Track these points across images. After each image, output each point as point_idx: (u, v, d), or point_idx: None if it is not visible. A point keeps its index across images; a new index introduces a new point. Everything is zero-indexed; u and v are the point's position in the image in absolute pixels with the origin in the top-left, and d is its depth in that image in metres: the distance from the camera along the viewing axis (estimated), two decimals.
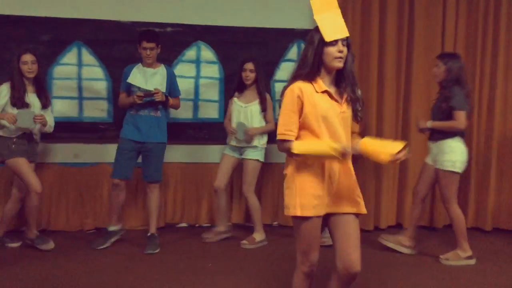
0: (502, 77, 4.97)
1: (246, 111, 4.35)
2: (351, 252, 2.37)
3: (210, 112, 4.85)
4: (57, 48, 4.55)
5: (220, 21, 4.78)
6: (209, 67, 4.81)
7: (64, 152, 4.66)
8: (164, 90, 4.17)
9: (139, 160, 4.27)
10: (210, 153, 4.87)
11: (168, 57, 4.66)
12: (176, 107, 4.40)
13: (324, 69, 2.37)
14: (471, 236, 4.18)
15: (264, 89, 4.38)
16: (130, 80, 4.17)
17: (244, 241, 4.35)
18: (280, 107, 2.44)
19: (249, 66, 4.33)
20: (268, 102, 4.40)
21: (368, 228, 4.84)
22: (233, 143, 4.39)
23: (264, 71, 4.48)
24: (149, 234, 4.25)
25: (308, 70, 2.35)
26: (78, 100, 4.63)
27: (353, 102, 2.43)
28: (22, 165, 3.99)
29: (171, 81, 4.28)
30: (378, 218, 4.97)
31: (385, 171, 4.91)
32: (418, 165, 4.37)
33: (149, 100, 4.10)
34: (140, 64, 4.22)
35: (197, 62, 4.81)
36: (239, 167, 4.48)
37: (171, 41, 4.66)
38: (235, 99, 4.42)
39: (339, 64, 2.34)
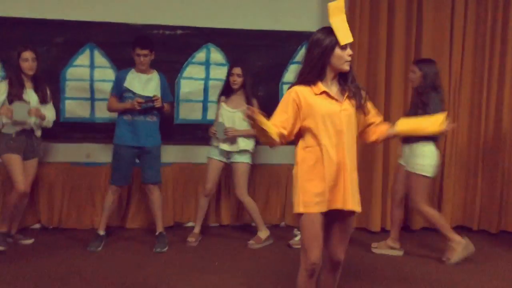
0: (511, 77, 4.95)
1: (234, 116, 4.33)
2: (336, 243, 2.59)
3: None
4: (70, 50, 4.64)
5: (230, 23, 4.85)
6: (218, 69, 4.86)
7: (76, 152, 4.75)
8: (159, 95, 4.18)
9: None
10: None
11: (178, 59, 4.76)
12: (169, 112, 4.42)
13: (329, 71, 2.45)
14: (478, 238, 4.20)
15: (251, 94, 4.36)
16: (128, 85, 4.19)
17: (251, 241, 4.39)
18: None
19: (237, 70, 4.34)
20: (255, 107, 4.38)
21: (376, 229, 4.86)
22: (224, 147, 4.35)
23: (270, 74, 4.50)
24: (157, 233, 4.32)
25: (314, 72, 2.43)
26: (90, 101, 4.72)
27: (357, 96, 2.49)
28: (14, 161, 3.95)
29: (164, 86, 4.31)
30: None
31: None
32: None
33: (146, 106, 4.12)
34: (133, 69, 4.23)
35: (207, 64, 4.88)
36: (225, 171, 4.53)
37: (181, 43, 4.75)
38: (222, 103, 4.42)
39: (347, 67, 2.45)
